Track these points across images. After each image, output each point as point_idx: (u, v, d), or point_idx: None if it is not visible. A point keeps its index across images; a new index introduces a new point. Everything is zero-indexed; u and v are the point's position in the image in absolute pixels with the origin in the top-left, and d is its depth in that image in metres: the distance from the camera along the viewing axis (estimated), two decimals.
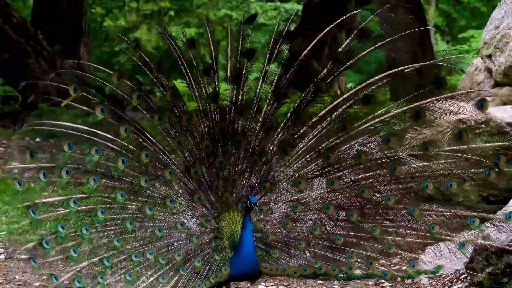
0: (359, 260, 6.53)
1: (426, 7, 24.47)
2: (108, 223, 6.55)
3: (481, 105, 6.39)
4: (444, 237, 6.43)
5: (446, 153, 6.39)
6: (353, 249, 6.54)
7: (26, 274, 8.69)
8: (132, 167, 6.59)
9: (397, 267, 8.55)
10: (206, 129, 6.63)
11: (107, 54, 25.16)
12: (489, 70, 10.50)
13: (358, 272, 6.58)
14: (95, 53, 20.02)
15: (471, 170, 6.38)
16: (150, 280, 6.49)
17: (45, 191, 6.81)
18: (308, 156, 6.59)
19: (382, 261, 6.73)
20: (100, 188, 6.55)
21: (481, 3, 25.32)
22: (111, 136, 6.55)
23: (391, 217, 6.51)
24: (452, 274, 7.87)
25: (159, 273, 6.51)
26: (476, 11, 25.97)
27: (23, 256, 9.24)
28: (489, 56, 10.41)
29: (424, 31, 16.46)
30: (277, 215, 6.64)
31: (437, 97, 6.33)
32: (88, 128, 6.53)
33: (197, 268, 6.53)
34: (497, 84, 10.46)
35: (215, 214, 6.64)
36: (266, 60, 6.63)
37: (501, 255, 6.97)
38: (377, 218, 6.52)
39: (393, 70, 6.39)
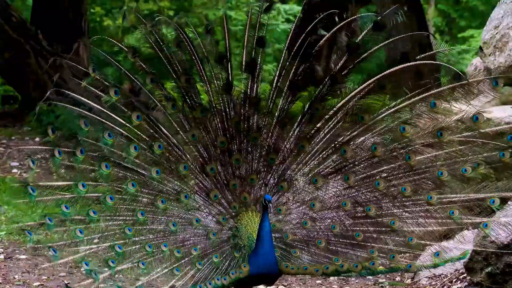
0: (381, 255, 6.51)
1: (426, 7, 24.46)
2: (118, 213, 6.54)
3: (496, 83, 6.47)
4: (466, 221, 6.45)
5: (461, 138, 6.45)
6: (374, 244, 6.53)
7: (26, 274, 8.68)
8: (144, 157, 6.57)
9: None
10: (219, 124, 6.61)
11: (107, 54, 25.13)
12: (488, 70, 10.49)
13: (381, 267, 6.55)
14: (95, 53, 19.99)
15: (484, 154, 6.43)
16: (164, 272, 6.46)
17: (54, 175, 6.78)
18: (324, 152, 6.59)
19: (406, 254, 6.64)
20: (112, 177, 6.54)
21: (479, 1, 25.30)
22: (122, 121, 6.54)
23: (410, 209, 6.51)
24: (451, 274, 7.87)
25: (174, 266, 6.47)
26: (475, 11, 25.95)
27: (22, 256, 9.24)
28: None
29: (424, 30, 16.45)
30: (295, 215, 6.63)
31: (449, 85, 6.39)
32: (103, 109, 6.52)
33: (215, 264, 6.51)
34: None
35: (233, 213, 6.62)
36: (284, 53, 6.62)
37: (500, 254, 6.96)
38: (395, 211, 6.53)
39: (408, 64, 6.38)
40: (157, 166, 6.55)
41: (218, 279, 6.44)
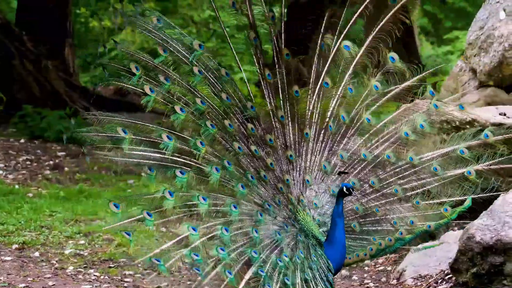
0: (402, 224, 6.65)
1: (411, 8, 24.52)
2: (236, 238, 6.40)
3: None
4: (450, 174, 6.70)
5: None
6: (392, 215, 6.69)
7: (11, 275, 8.65)
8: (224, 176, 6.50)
9: (382, 267, 8.59)
10: (241, 134, 6.60)
11: (92, 56, 25.12)
12: (473, 71, 10.55)
13: (408, 235, 6.68)
14: (80, 55, 19.95)
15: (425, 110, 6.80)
16: (299, 281, 6.33)
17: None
18: (322, 135, 6.71)
19: (421, 217, 6.77)
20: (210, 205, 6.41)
21: (466, 3, 25.40)
22: (191, 163, 6.43)
23: (401, 174, 6.72)
24: (436, 274, 7.89)
25: (301, 274, 6.39)
26: (461, 12, 26.05)
27: (8, 258, 9.21)
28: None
29: (409, 32, 16.52)
30: (327, 206, 6.68)
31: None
32: (160, 161, 6.39)
33: (316, 263, 6.47)
34: (481, 85, 10.50)
35: (293, 216, 6.61)
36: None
37: (486, 255, 6.99)
38: (391, 179, 6.72)
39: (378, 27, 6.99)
40: (240, 181, 6.52)
41: (330, 275, 6.44)
